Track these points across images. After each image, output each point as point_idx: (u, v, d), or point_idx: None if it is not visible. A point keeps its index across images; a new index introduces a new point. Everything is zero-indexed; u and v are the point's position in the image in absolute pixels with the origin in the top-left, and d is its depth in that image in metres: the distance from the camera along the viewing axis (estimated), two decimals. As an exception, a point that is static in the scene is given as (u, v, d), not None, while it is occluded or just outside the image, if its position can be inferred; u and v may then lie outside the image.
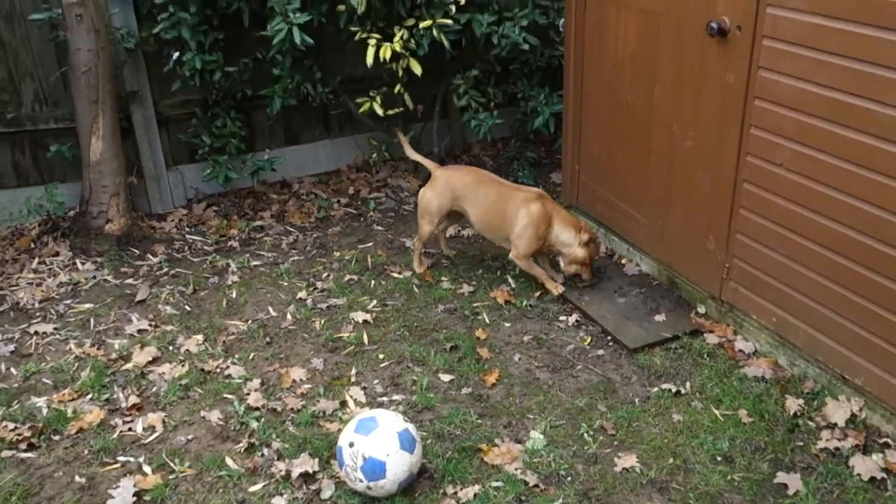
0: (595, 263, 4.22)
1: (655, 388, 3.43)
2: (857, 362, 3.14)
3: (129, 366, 3.64)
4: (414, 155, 4.42)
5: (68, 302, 4.16)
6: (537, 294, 4.16)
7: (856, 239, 3.00)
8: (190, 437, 3.22)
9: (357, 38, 4.56)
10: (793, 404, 3.24)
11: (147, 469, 3.05)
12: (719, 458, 3.03)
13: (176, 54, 4.63)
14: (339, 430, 3.06)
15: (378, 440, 2.74)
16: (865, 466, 2.92)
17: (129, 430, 3.26)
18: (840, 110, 2.95)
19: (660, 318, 3.88)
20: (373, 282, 4.32)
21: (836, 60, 2.92)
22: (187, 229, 4.92)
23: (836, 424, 3.13)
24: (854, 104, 2.89)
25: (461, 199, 4.15)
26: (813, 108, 3.05)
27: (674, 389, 3.39)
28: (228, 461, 3.08)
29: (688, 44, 3.57)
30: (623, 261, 4.40)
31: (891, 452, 2.97)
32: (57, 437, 3.22)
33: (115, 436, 3.22)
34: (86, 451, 3.14)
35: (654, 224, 4.11)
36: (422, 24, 4.53)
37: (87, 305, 4.13)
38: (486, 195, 4.09)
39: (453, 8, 4.62)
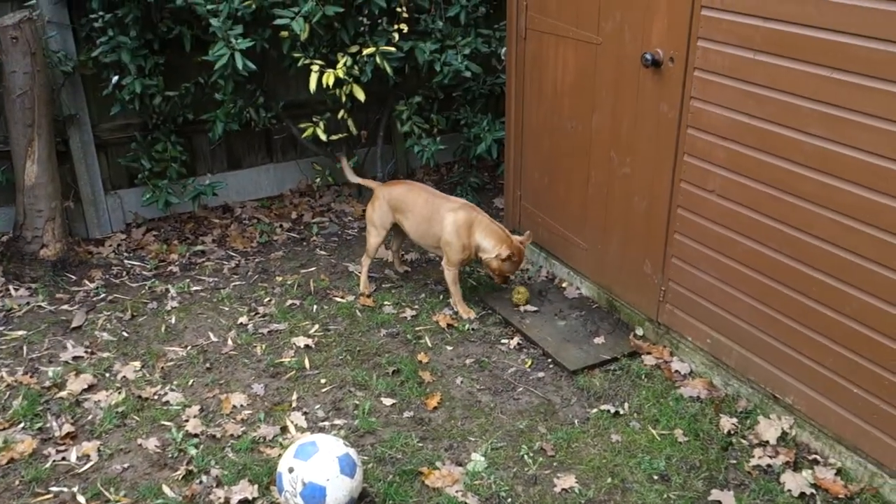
0: (536, 287, 4.30)
1: (594, 410, 3.48)
2: (786, 382, 3.24)
3: (63, 394, 3.55)
4: (355, 178, 4.59)
5: (0, 329, 4.05)
6: (479, 316, 4.20)
7: (783, 262, 3.12)
8: (126, 465, 3.16)
9: (300, 64, 4.59)
10: (727, 423, 3.33)
11: (81, 499, 2.98)
12: (656, 477, 3.09)
13: (115, 78, 4.58)
14: (280, 456, 3.04)
15: (318, 465, 2.73)
16: (796, 482, 3.01)
17: (63, 459, 3.18)
18: (767, 139, 3.07)
19: (599, 340, 3.95)
20: (315, 306, 4.31)
21: (763, 92, 3.04)
22: (126, 254, 4.85)
23: (767, 442, 3.22)
24: (780, 133, 3.01)
25: (397, 211, 4.31)
26: (742, 138, 3.17)
27: (612, 410, 3.45)
28: (166, 489, 3.02)
29: (624, 74, 3.68)
30: (564, 284, 4.47)
31: (819, 469, 3.07)
32: (-14, 468, 3.13)
33: (47, 465, 3.14)
34: (17, 482, 3.06)
35: (594, 248, 4.19)
36: (365, 51, 4.58)
37: (20, 332, 4.03)
38: (415, 204, 4.25)
39: (396, 35, 4.68)
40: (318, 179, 5.53)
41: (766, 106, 3.05)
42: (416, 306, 4.32)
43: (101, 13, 4.37)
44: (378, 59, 4.58)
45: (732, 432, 3.30)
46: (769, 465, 3.11)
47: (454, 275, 4.20)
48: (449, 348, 3.95)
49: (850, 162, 2.79)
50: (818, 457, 3.15)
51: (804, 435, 3.22)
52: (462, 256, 4.14)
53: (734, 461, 3.16)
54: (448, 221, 4.12)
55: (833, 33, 2.74)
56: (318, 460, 2.74)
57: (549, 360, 3.86)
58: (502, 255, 4.03)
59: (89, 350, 3.88)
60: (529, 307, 4.23)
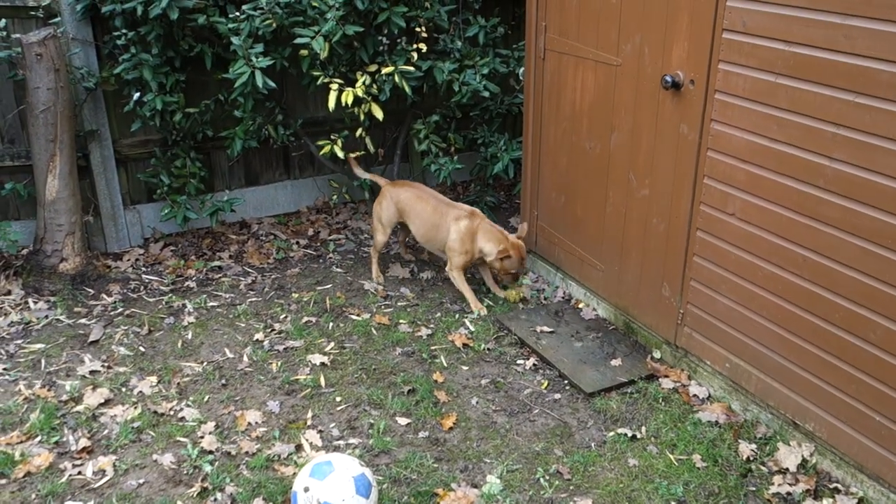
0: (552, 308, 4.28)
1: (611, 433, 3.45)
2: (807, 408, 3.21)
3: (80, 408, 3.56)
4: (364, 174, 4.89)
5: (19, 342, 4.06)
6: (495, 336, 4.19)
7: (804, 287, 3.09)
8: (141, 481, 3.15)
9: (319, 82, 4.61)
10: (745, 449, 3.29)
11: (96, 515, 2.98)
12: (674, 503, 3.05)
13: (136, 95, 4.62)
14: (295, 475, 3.03)
15: (333, 485, 2.72)
16: (816, 511, 2.97)
17: (79, 473, 3.18)
18: (789, 163, 3.06)
19: (616, 362, 3.92)
20: (331, 324, 4.30)
21: (785, 116, 3.03)
22: (143, 269, 4.87)
23: (787, 469, 3.18)
24: (802, 158, 3.00)
25: (403, 213, 4.62)
26: (763, 161, 3.16)
27: (629, 434, 3.42)
28: (180, 506, 3.02)
29: (644, 96, 3.68)
30: (580, 305, 4.45)
31: (841, 498, 3.03)
32: (3, 481, 3.12)
33: (63, 480, 3.14)
34: (33, 496, 3.05)
35: (611, 270, 4.18)
36: (384, 70, 4.59)
37: (39, 346, 4.04)
38: (423, 209, 4.53)
39: (415, 55, 4.71)
40: (334, 196, 5.55)
41: (787, 130, 3.04)
42: (432, 325, 4.31)
43: (124, 31, 4.41)
44: (397, 79, 4.60)
45: (752, 458, 3.26)
46: (789, 493, 3.07)
47: (460, 276, 4.48)
48: (464, 368, 3.94)
49: (874, 187, 2.77)
50: (839, 485, 3.10)
51: (825, 463, 3.18)
52: (465, 259, 4.43)
53: (753, 488, 3.12)
54: (453, 230, 4.41)
55: (858, 58, 2.73)
56: (333, 480, 2.72)
57: (566, 381, 3.83)
58: (502, 255, 4.29)
59: (106, 364, 3.89)
60: (545, 328, 4.21)
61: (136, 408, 3.57)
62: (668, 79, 3.46)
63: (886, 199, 2.74)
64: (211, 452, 3.30)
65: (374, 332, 4.24)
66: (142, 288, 4.65)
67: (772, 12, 3.00)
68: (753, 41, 3.09)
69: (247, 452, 3.30)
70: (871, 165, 2.76)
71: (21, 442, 3.34)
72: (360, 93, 4.55)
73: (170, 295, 4.56)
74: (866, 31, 2.69)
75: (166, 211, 4.99)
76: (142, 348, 4.05)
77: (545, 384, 3.82)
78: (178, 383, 3.77)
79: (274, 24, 4.37)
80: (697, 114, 3.41)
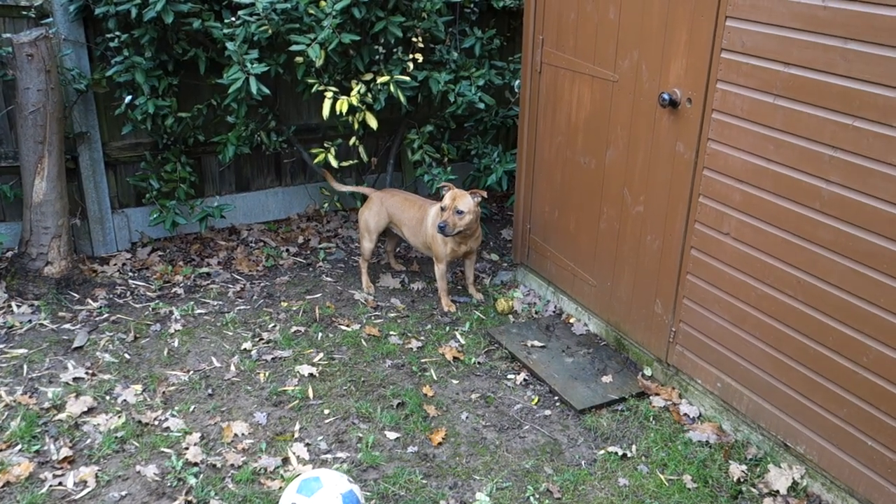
0: (543, 322, 4.25)
1: (602, 451, 3.42)
2: (798, 430, 3.19)
3: (62, 416, 3.50)
4: (343, 187, 4.95)
5: (1, 346, 4.00)
6: (485, 350, 4.16)
7: (797, 308, 3.08)
8: (124, 493, 3.10)
9: (314, 90, 4.57)
10: (736, 470, 3.27)
11: (77, 527, 2.92)
12: (664, 525, 3.03)
13: (128, 98, 4.57)
14: (281, 489, 2.99)
15: (321, 502, 2.67)
16: (806, 535, 2.95)
17: (60, 484, 3.12)
18: (785, 185, 3.04)
19: (607, 379, 3.90)
20: (320, 334, 4.26)
21: (782, 137, 3.02)
22: (130, 274, 4.81)
23: (778, 492, 3.16)
24: (798, 179, 2.99)
25: (394, 218, 4.70)
26: (759, 181, 3.15)
27: (620, 452, 3.40)
28: (164, 520, 2.97)
29: (640, 112, 3.67)
30: (571, 320, 4.43)
31: (830, 521, 3.02)
32: (-19, 491, 3.07)
33: (44, 490, 3.08)
34: (12, 507, 3.00)
35: (603, 285, 4.15)
36: (379, 80, 4.56)
37: (21, 351, 3.97)
38: (411, 212, 4.65)
39: (411, 65, 4.68)
40: (325, 204, 5.51)
41: (784, 151, 3.03)
42: (422, 337, 4.27)
43: (117, 33, 4.37)
44: (392, 88, 4.57)
45: (742, 480, 3.24)
46: (779, 516, 3.06)
47: (443, 270, 4.58)
48: (454, 382, 3.90)
49: (869, 211, 2.76)
50: (829, 509, 3.09)
51: (815, 485, 3.16)
52: (445, 248, 4.48)
53: (744, 510, 3.11)
54: (430, 217, 4.53)
55: (856, 82, 2.72)
56: (321, 497, 2.67)
57: (556, 397, 3.80)
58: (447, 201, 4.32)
59: (90, 371, 3.83)
60: (536, 342, 4.19)
61: (119, 417, 3.51)
62: (666, 96, 3.45)
63: (882, 222, 2.73)
64: (196, 464, 3.25)
65: (364, 343, 4.19)
66: (128, 293, 4.59)
67: (771, 33, 2.99)
68: (752, 61, 3.08)
69: (232, 465, 3.25)
70: (867, 189, 2.75)
71: (1, 450, 3.27)
72: (354, 101, 4.51)
73: (157, 301, 4.51)
74: (865, 55, 2.68)
75: (155, 215, 4.93)
76: (127, 355, 3.99)
77: (536, 400, 3.79)
78: (164, 392, 3.71)
79: (270, 31, 4.33)
80: (694, 132, 3.39)
